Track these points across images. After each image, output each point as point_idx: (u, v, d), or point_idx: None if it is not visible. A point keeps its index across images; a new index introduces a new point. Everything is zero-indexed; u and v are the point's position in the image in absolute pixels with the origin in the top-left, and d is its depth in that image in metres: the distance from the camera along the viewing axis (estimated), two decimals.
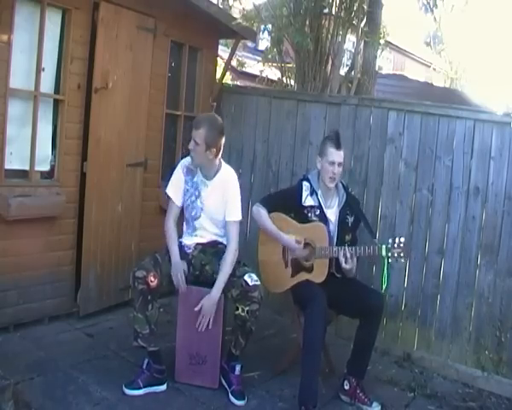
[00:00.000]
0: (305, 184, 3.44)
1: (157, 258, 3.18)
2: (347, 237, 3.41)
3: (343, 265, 3.26)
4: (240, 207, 3.34)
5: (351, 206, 3.46)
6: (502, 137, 3.71)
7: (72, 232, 3.95)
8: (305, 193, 3.42)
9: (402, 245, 3.20)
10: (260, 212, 3.48)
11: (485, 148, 3.76)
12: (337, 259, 3.31)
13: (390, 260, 3.24)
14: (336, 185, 3.45)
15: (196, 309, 3.13)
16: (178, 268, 3.16)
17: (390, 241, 3.24)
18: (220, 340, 3.24)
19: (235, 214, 3.30)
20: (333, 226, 3.40)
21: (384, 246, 3.22)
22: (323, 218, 3.38)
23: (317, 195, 3.41)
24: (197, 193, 3.30)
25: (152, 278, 3.05)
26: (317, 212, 3.39)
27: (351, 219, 3.45)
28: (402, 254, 3.22)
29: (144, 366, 3.19)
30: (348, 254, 3.22)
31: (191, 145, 3.21)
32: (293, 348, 3.54)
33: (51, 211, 3.73)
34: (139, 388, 3.13)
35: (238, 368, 3.25)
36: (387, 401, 3.34)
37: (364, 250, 3.25)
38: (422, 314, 4.01)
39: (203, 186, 3.30)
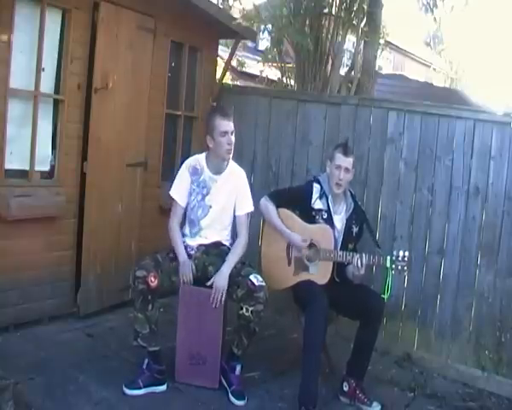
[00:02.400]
0: (316, 187, 3.44)
1: (158, 258, 3.18)
2: (350, 246, 3.41)
3: (355, 272, 3.25)
4: (250, 199, 3.39)
5: (357, 216, 3.46)
6: (502, 137, 3.71)
7: (72, 232, 3.95)
8: (315, 195, 3.42)
9: (406, 259, 3.22)
10: (268, 207, 3.48)
11: (485, 148, 3.76)
12: (339, 263, 3.32)
13: (393, 272, 3.25)
14: (345, 193, 3.45)
15: (208, 284, 3.16)
16: (187, 266, 3.18)
17: (394, 253, 3.25)
18: (220, 340, 3.24)
19: (247, 206, 3.36)
20: (338, 233, 3.40)
21: (389, 257, 3.22)
22: (330, 223, 3.38)
23: (327, 198, 3.40)
24: (205, 191, 3.31)
25: (152, 279, 3.05)
26: (325, 216, 3.39)
27: (355, 229, 3.45)
28: (405, 268, 3.24)
29: (144, 366, 3.19)
30: (359, 262, 3.22)
31: (232, 139, 3.24)
32: (293, 348, 3.54)
33: (51, 211, 3.73)
34: (139, 388, 3.12)
35: (238, 368, 3.25)
36: (387, 401, 3.34)
37: (369, 259, 3.25)
38: (422, 314, 4.00)
39: (212, 183, 3.31)
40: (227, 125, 3.22)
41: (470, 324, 3.82)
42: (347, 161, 3.35)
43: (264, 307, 3.09)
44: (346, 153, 3.37)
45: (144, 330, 3.11)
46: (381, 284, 3.38)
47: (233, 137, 3.26)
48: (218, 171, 3.32)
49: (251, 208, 3.39)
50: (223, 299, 3.13)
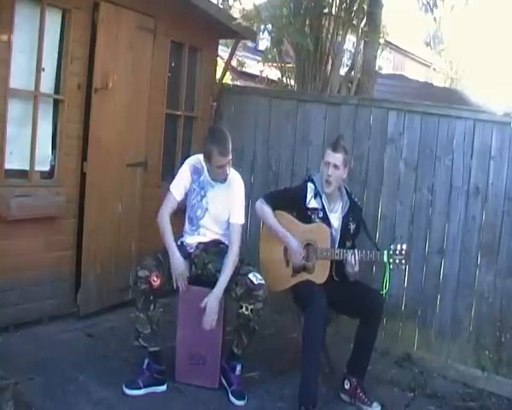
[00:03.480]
0: (310, 186, 3.44)
1: (159, 258, 3.18)
2: (348, 244, 3.41)
3: (349, 269, 3.26)
4: (243, 212, 3.35)
5: (354, 213, 3.45)
6: (502, 137, 3.70)
7: (72, 232, 3.95)
8: (310, 195, 3.41)
9: (404, 252, 3.22)
10: (264, 209, 3.48)
11: (485, 148, 3.76)
12: (337, 262, 3.31)
13: (391, 267, 3.24)
14: (340, 191, 3.45)
15: (202, 305, 3.11)
16: (179, 266, 3.14)
17: (392, 247, 3.25)
18: (220, 340, 3.24)
19: (239, 217, 3.31)
20: (335, 231, 3.39)
21: (386, 252, 3.22)
22: (326, 221, 3.38)
23: (321, 197, 3.40)
24: (203, 193, 3.31)
25: (155, 278, 3.05)
26: (320, 214, 3.38)
27: (353, 226, 3.44)
28: (403, 262, 3.24)
29: (144, 366, 3.19)
30: (352, 259, 3.22)
31: (227, 170, 3.20)
32: (293, 348, 3.53)
33: (51, 211, 3.73)
34: (139, 388, 3.13)
35: (239, 368, 3.25)
36: (387, 401, 3.34)
37: (366, 255, 3.25)
38: (422, 314, 4.00)
39: (209, 187, 3.31)
40: (224, 159, 3.17)
41: (470, 324, 3.82)
42: (336, 157, 3.32)
43: (263, 305, 3.09)
44: (335, 149, 3.34)
45: (146, 330, 3.12)
46: (380, 279, 3.38)
47: (229, 166, 3.21)
48: (217, 178, 3.30)
49: (242, 221, 3.33)
50: (214, 323, 3.10)
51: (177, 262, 3.16)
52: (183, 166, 3.40)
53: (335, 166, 3.32)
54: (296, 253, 3.36)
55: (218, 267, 3.22)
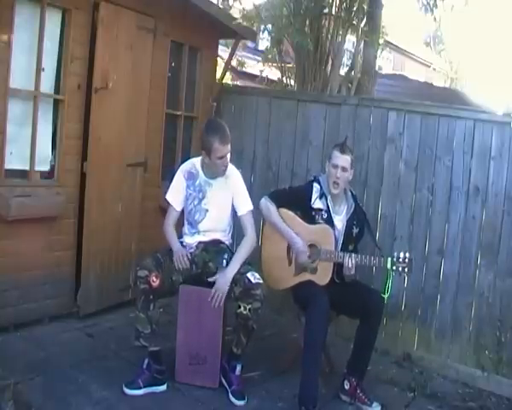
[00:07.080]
0: (316, 186, 3.43)
1: (158, 257, 3.19)
2: (350, 247, 3.41)
3: (347, 272, 3.26)
4: (248, 197, 3.38)
5: (358, 217, 3.45)
6: (502, 137, 3.71)
7: (73, 232, 3.96)
8: (315, 195, 3.41)
9: (407, 260, 3.22)
10: (269, 207, 3.47)
11: (485, 148, 3.76)
12: (339, 264, 3.31)
13: (394, 274, 3.25)
14: (345, 193, 3.44)
15: (211, 280, 3.17)
16: (180, 249, 3.22)
17: (395, 254, 3.25)
18: (220, 340, 3.24)
19: (246, 205, 3.35)
20: (338, 233, 3.39)
21: (389, 259, 3.23)
22: (330, 223, 3.37)
23: (326, 199, 3.39)
24: (201, 195, 3.31)
25: (154, 278, 3.06)
26: (325, 216, 3.38)
27: (356, 230, 3.44)
28: (406, 270, 3.24)
29: (144, 366, 3.19)
30: (353, 262, 3.23)
31: (228, 160, 3.23)
32: (293, 348, 3.54)
33: (51, 211, 3.73)
34: (139, 388, 3.13)
35: (239, 368, 3.25)
36: (387, 401, 3.34)
37: (370, 260, 3.25)
38: (422, 314, 4.01)
39: (208, 187, 3.31)
40: (225, 149, 3.20)
41: (470, 324, 3.82)
42: (344, 159, 3.32)
43: (261, 304, 3.08)
44: (343, 151, 3.34)
45: (146, 330, 3.12)
46: (381, 284, 3.38)
47: (229, 156, 3.24)
48: (213, 175, 3.31)
49: (250, 207, 3.37)
50: (222, 301, 3.13)
51: (180, 249, 3.24)
52: (177, 173, 3.40)
53: (343, 169, 3.32)
54: (302, 252, 3.36)
55: (219, 264, 3.23)
